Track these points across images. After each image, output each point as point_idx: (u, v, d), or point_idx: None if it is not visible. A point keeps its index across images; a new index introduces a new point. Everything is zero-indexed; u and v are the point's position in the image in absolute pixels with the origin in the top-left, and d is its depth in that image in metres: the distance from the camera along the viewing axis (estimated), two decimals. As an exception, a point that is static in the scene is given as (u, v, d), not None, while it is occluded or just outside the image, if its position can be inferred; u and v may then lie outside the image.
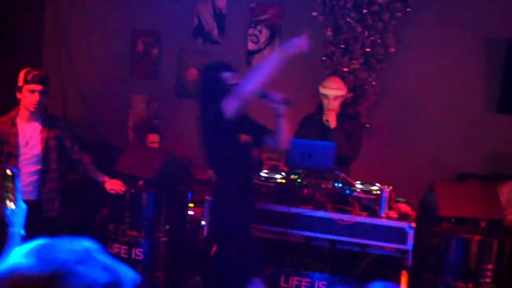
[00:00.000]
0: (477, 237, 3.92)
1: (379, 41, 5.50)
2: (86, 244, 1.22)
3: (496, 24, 5.62)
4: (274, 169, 4.98)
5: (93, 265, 1.15)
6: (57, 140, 4.23)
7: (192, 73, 6.51)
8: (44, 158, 4.19)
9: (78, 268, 1.14)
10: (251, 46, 6.30)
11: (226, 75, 3.76)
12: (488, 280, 3.93)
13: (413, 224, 3.97)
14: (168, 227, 4.57)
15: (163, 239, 4.56)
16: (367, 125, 5.65)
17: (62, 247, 1.18)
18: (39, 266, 1.14)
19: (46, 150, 4.18)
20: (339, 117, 4.72)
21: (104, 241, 4.55)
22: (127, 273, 1.19)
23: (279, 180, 4.44)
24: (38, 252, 1.17)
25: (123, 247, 4.49)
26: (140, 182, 4.60)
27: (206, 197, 4.27)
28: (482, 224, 4.10)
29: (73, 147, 4.32)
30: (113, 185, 4.42)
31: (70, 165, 4.52)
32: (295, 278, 4.29)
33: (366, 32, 5.45)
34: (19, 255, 1.17)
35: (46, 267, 1.13)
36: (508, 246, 4.00)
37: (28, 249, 1.18)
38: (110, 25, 6.73)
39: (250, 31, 6.29)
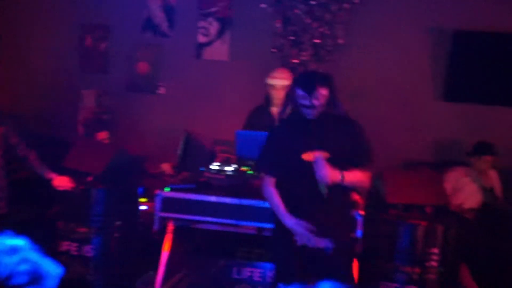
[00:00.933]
0: (423, 223, 4.02)
1: (328, 32, 5.56)
2: (15, 239, 1.20)
3: (441, 14, 5.75)
4: (226, 162, 4.98)
5: (17, 258, 1.14)
6: (2, 137, 4.14)
7: (143, 67, 6.46)
8: None
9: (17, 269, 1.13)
10: (201, 38, 6.28)
11: (299, 93, 3.31)
12: (434, 264, 4.03)
13: (362, 212, 4.04)
14: (119, 222, 4.53)
15: (114, 235, 4.51)
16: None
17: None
18: None
19: None
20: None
21: (54, 238, 4.50)
22: (52, 268, 1.18)
23: (230, 172, 4.45)
24: None
25: (74, 244, 4.43)
26: (90, 178, 4.55)
27: (156, 191, 4.26)
28: (428, 210, 4.20)
29: (19, 145, 4.22)
30: (61, 182, 4.35)
31: (17, 163, 4.43)
32: (247, 269, 4.32)
33: (315, 24, 5.50)
34: None
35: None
36: (452, 230, 4.11)
37: None
38: (59, 19, 6.62)
39: (200, 23, 6.26)
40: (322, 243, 3.27)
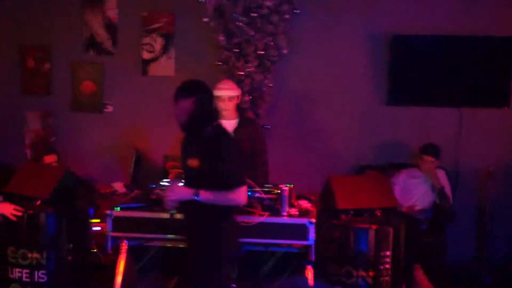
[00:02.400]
0: (374, 226, 4.08)
1: (271, 43, 5.61)
2: None
3: (379, 20, 5.90)
4: (178, 177, 4.96)
5: None
6: None
7: (88, 86, 6.38)
8: None
9: None
10: (146, 55, 6.25)
11: None
12: (387, 266, 4.09)
13: (313, 220, 4.08)
14: (71, 245, 4.45)
15: (67, 258, 4.43)
16: (268, 126, 5.75)
17: None
18: None
19: None
20: (239, 122, 4.80)
21: (5, 265, 4.38)
22: None
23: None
24: None
25: (25, 270, 4.32)
26: (38, 202, 4.45)
27: (106, 211, 4.21)
28: (378, 213, 4.27)
29: None
30: (3, 209, 4.23)
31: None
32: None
33: (258, 35, 5.54)
34: None
35: None
36: (403, 232, 4.18)
37: None
38: (-2, 40, 6.48)
39: (145, 40, 6.23)
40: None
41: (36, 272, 4.32)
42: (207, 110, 3.45)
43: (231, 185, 3.38)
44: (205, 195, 3.36)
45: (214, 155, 3.36)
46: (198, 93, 3.39)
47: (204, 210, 3.42)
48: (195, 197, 3.36)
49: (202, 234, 3.45)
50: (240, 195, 3.43)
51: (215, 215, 3.44)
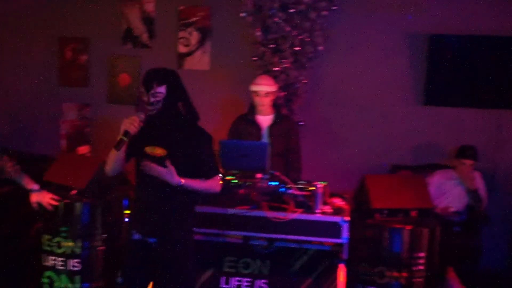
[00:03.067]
0: (408, 227, 4.04)
1: (307, 39, 5.59)
2: None
3: (418, 19, 5.82)
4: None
5: None
6: None
7: (124, 78, 6.44)
8: None
9: None
10: (182, 49, 6.28)
11: (140, 90, 3.38)
12: (421, 267, 4.05)
13: (347, 218, 4.05)
14: (104, 235, 4.50)
15: (100, 248, 4.49)
16: (302, 123, 5.73)
17: None
18: None
19: None
20: (275, 118, 4.80)
21: (39, 253, 4.45)
22: None
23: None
24: None
25: (59, 258, 4.38)
26: (73, 192, 4.51)
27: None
28: (413, 213, 4.22)
29: None
30: (40, 198, 4.29)
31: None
32: (236, 279, 4.30)
33: (295, 31, 5.52)
34: None
35: None
36: (438, 233, 4.13)
37: None
38: (36, 33, 6.58)
39: (181, 33, 6.26)
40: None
41: (70, 261, 4.38)
42: (180, 98, 3.41)
43: (209, 173, 3.41)
44: (188, 181, 3.30)
45: (194, 143, 3.37)
46: (172, 79, 3.36)
47: (176, 201, 3.39)
48: (179, 183, 3.26)
49: (177, 226, 3.41)
50: (218, 182, 3.48)
51: (187, 206, 3.45)
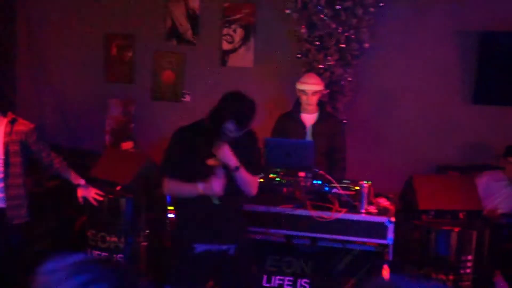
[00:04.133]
0: (456, 229, 3.94)
1: (353, 36, 5.51)
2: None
3: (468, 15, 5.67)
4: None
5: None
6: (21, 145, 4.14)
7: (168, 75, 6.47)
8: (6, 163, 4.10)
9: None
10: (226, 46, 6.28)
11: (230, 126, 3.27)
12: (468, 271, 3.95)
13: (393, 219, 3.97)
14: (147, 231, 4.53)
15: (143, 243, 4.52)
16: (345, 121, 5.66)
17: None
18: None
19: (7, 154, 4.09)
20: (319, 116, 4.74)
21: (84, 248, 4.51)
22: None
23: (258, 180, 4.41)
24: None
25: (103, 253, 4.43)
26: (118, 187, 4.55)
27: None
28: (461, 215, 4.12)
29: (40, 152, 4.22)
30: (86, 193, 4.34)
31: (44, 171, 4.44)
32: (278, 277, 4.28)
33: (340, 28, 5.45)
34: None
35: None
36: (486, 236, 4.02)
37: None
38: (83, 30, 6.67)
39: (225, 30, 6.26)
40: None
41: (114, 256, 4.42)
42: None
43: (252, 172, 3.46)
44: (243, 172, 3.37)
45: (244, 142, 3.41)
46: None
47: (239, 204, 3.56)
48: (235, 167, 3.32)
49: (246, 230, 3.60)
50: (256, 183, 3.56)
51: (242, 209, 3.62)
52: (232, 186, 3.36)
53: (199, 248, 3.43)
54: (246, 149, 3.44)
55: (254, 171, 3.49)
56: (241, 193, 3.48)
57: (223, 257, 3.45)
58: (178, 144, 3.44)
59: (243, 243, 3.52)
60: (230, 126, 3.23)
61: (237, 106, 3.28)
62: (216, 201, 3.33)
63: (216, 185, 3.27)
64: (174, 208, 3.70)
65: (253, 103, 3.30)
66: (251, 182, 3.48)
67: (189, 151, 3.38)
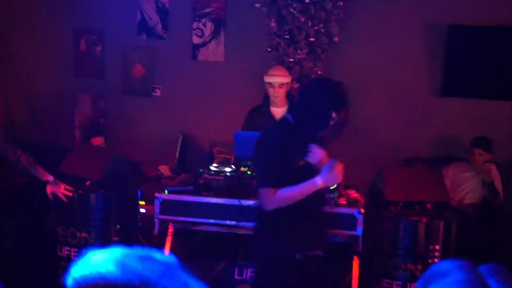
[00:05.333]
0: (424, 220, 4.00)
1: (323, 30, 5.54)
2: (167, 257, 1.16)
3: (436, 9, 5.74)
4: (224, 162, 4.97)
5: (175, 280, 1.10)
6: None
7: (138, 70, 6.44)
8: None
9: (162, 282, 1.08)
10: (196, 40, 6.26)
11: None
12: (436, 260, 4.01)
13: (362, 210, 4.02)
14: (118, 226, 4.51)
15: (114, 239, 4.49)
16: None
17: (144, 258, 1.12)
18: (125, 276, 1.08)
19: None
20: (288, 109, 4.76)
21: (54, 244, 4.47)
22: None
23: (228, 173, 4.43)
24: (120, 261, 1.11)
25: (73, 249, 4.40)
26: (88, 183, 4.52)
27: (155, 194, 4.25)
28: (429, 206, 4.18)
29: (6, 150, 4.18)
30: (55, 189, 4.30)
31: (12, 168, 4.39)
32: (249, 270, 4.30)
33: (310, 22, 5.48)
34: (98, 261, 1.12)
35: (133, 277, 1.08)
36: (454, 226, 4.09)
37: (108, 256, 1.13)
38: (51, 25, 6.58)
39: (195, 24, 6.24)
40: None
41: (84, 251, 4.38)
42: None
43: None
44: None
45: None
46: None
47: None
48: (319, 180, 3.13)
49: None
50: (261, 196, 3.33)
51: None
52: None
53: (299, 255, 3.26)
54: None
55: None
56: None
57: (318, 262, 3.33)
58: (273, 150, 3.21)
59: (327, 247, 3.40)
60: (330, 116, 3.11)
61: (335, 91, 3.17)
62: (333, 194, 3.33)
63: (334, 174, 3.13)
64: (269, 216, 3.27)
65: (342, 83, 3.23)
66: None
67: (284, 155, 3.18)
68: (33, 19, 6.62)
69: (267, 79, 4.70)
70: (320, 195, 3.29)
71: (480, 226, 5.17)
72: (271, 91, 4.69)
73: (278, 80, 4.67)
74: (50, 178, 4.30)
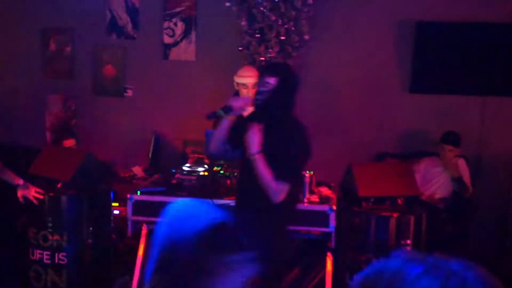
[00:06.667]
0: (395, 214, 4.05)
1: (293, 28, 5.57)
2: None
3: (404, 7, 5.81)
4: (198, 162, 4.97)
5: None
6: None
7: (109, 70, 6.39)
8: None
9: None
10: (167, 39, 6.24)
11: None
12: (408, 254, 4.06)
13: (334, 207, 4.06)
14: (91, 228, 4.47)
15: (87, 241, 4.45)
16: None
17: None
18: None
19: None
20: None
21: (25, 247, 4.42)
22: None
23: (201, 173, 4.43)
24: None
25: (46, 252, 4.35)
26: (59, 185, 4.48)
27: (128, 195, 4.23)
28: (400, 201, 4.24)
29: None
30: (26, 192, 4.25)
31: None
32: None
33: (280, 21, 5.50)
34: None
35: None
36: (424, 221, 4.15)
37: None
38: (19, 24, 6.49)
39: (165, 24, 6.22)
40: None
41: (56, 254, 4.35)
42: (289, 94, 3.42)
43: (279, 175, 3.27)
44: (261, 163, 3.25)
45: (291, 141, 3.34)
46: (283, 72, 3.44)
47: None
48: (255, 152, 3.25)
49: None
50: (279, 190, 3.31)
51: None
52: None
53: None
54: (280, 141, 3.32)
55: (279, 174, 3.28)
56: None
57: None
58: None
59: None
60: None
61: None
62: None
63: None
64: (276, 205, 3.33)
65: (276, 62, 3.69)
66: (266, 182, 3.27)
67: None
68: (0, 19, 6.53)
69: (240, 80, 4.70)
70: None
71: (450, 219, 5.25)
72: (244, 92, 4.69)
73: (251, 80, 4.68)
74: (20, 181, 4.24)
